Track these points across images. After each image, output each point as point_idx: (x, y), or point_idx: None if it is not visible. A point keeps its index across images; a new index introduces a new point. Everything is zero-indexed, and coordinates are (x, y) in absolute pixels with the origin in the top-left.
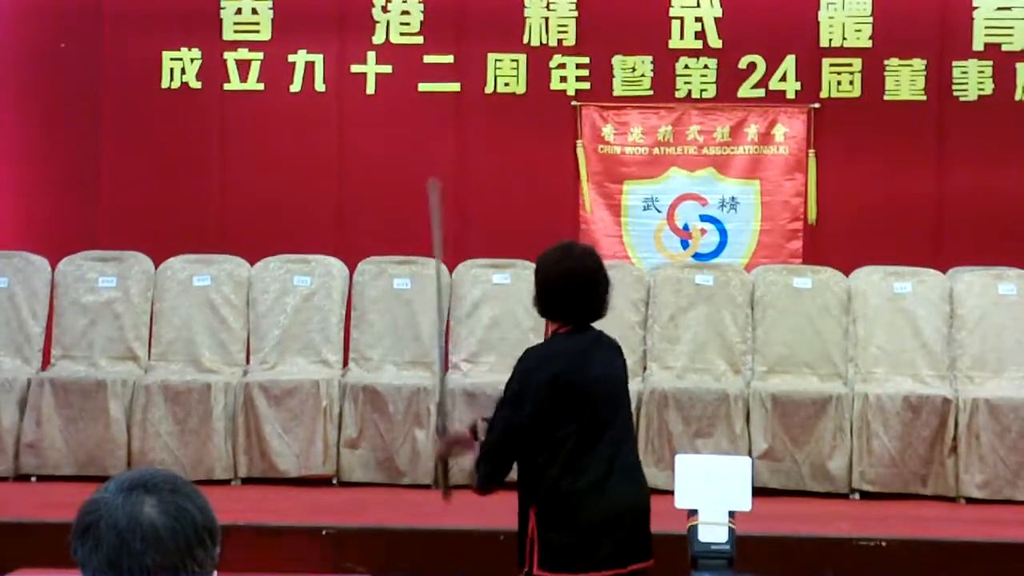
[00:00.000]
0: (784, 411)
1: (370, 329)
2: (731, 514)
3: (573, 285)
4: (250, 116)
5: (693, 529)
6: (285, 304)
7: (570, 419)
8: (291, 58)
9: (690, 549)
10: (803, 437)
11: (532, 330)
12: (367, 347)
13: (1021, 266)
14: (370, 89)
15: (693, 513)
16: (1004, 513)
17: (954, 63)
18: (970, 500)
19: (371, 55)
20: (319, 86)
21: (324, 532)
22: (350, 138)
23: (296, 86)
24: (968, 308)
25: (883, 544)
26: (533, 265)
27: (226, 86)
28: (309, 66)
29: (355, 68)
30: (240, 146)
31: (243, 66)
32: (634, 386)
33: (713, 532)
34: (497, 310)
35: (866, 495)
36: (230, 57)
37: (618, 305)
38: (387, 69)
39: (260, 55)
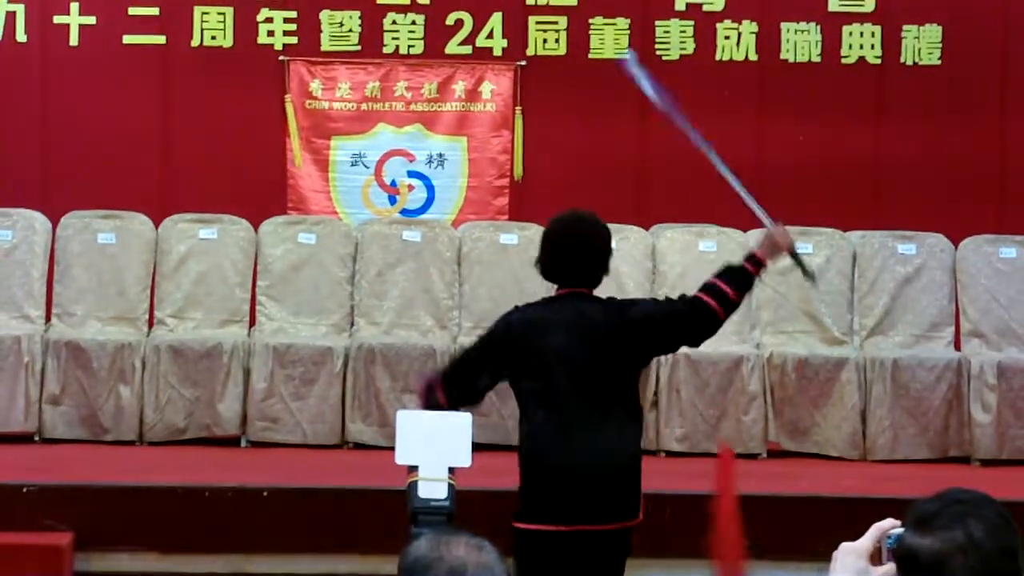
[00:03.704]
0: None
1: (74, 284)
2: (451, 470)
3: (555, 249)
4: None
5: (413, 485)
6: None
7: (524, 376)
8: None
9: (409, 505)
10: (509, 392)
11: (239, 285)
12: (70, 302)
13: (721, 224)
14: (73, 40)
15: (413, 469)
16: (702, 465)
17: (657, 22)
18: (670, 453)
19: (74, 6)
20: (20, 36)
21: (24, 489)
22: (54, 90)
23: None
24: (669, 264)
25: None
26: (240, 220)
27: None
28: (10, 16)
29: (58, 19)
30: None
31: None
32: (340, 342)
33: (433, 488)
34: (204, 265)
35: None
36: None
37: (325, 261)
38: (91, 20)
39: None
